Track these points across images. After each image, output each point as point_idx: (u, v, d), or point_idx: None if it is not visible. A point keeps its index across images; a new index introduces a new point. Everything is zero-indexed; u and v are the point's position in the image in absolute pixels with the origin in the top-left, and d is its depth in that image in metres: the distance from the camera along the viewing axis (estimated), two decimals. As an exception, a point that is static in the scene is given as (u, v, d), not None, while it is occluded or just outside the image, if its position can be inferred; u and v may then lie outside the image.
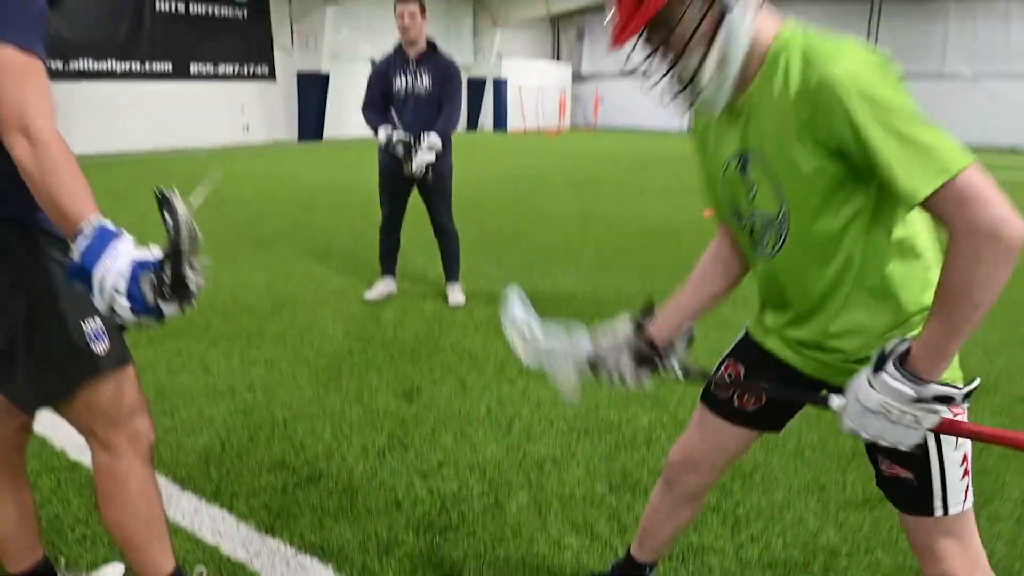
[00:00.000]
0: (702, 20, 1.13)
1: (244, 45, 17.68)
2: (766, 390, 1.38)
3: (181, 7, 16.25)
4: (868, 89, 1.04)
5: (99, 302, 1.19)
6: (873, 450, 1.31)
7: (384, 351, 3.68)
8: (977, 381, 1.10)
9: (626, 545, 1.87)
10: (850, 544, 2.12)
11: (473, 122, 24.04)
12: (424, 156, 4.13)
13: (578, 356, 1.49)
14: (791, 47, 1.14)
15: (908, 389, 1.07)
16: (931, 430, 1.11)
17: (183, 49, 16.30)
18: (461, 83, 4.43)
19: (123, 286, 1.17)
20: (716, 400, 1.52)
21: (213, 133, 16.89)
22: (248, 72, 17.99)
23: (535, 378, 3.31)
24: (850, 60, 1.07)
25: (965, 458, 1.26)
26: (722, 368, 1.52)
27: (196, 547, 2.06)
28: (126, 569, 1.94)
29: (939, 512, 1.26)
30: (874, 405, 1.09)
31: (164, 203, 1.19)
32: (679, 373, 1.45)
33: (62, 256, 1.41)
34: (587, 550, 2.08)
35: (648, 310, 1.52)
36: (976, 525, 1.31)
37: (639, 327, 1.50)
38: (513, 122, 24.46)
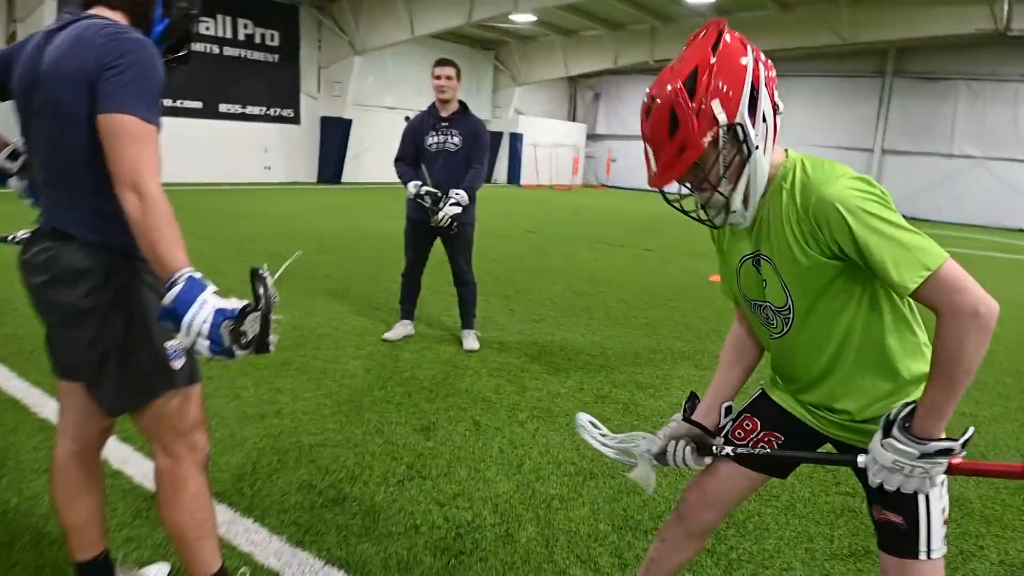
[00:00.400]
0: (732, 160, 1.39)
1: (272, 88, 18.37)
2: (804, 458, 1.62)
3: (216, 48, 16.95)
4: (859, 204, 1.31)
5: (184, 341, 1.43)
6: (869, 498, 1.52)
7: (402, 388, 3.89)
8: (971, 431, 1.33)
9: None
10: (833, 590, 2.30)
11: (488, 175, 24.61)
12: (450, 209, 4.41)
13: (646, 452, 1.74)
14: (794, 171, 1.41)
15: (912, 449, 1.30)
16: (944, 473, 1.33)
17: (214, 89, 16.94)
18: (488, 144, 4.75)
19: (207, 331, 1.41)
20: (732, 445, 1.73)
21: (236, 170, 17.41)
22: (274, 114, 18.62)
23: (545, 423, 3.52)
24: (841, 183, 1.34)
25: (944, 509, 1.47)
26: (740, 420, 1.74)
27: (232, 554, 2.25)
28: (171, 569, 2.13)
29: (923, 555, 1.45)
30: (889, 463, 1.33)
31: (256, 278, 1.46)
32: (729, 452, 1.67)
33: (154, 281, 1.66)
34: (590, 580, 2.26)
35: (693, 401, 1.76)
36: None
37: (688, 417, 1.73)
38: (527, 177, 25.03)
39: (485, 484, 2.86)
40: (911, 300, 1.45)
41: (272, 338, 1.46)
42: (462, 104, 4.66)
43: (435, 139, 4.60)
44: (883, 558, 1.52)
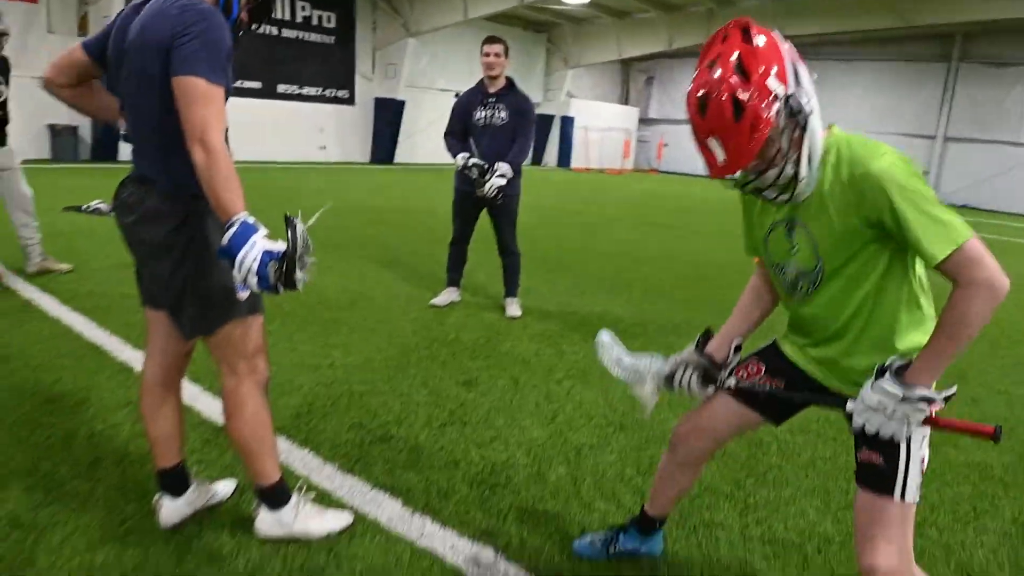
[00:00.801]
0: (793, 133, 1.50)
1: (328, 70, 18.81)
2: (796, 396, 1.77)
3: (275, 30, 17.43)
4: (901, 180, 1.44)
5: (237, 276, 1.66)
6: (857, 442, 1.66)
7: (447, 348, 4.12)
8: (954, 388, 1.48)
9: (633, 517, 2.23)
10: (844, 535, 2.43)
11: (538, 158, 24.73)
12: (496, 181, 4.60)
13: (655, 373, 1.91)
14: (838, 147, 1.54)
15: (898, 391, 1.45)
16: (919, 423, 1.47)
17: (272, 70, 17.45)
18: (534, 119, 4.92)
19: (255, 268, 1.64)
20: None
21: (293, 150, 17.93)
22: (330, 95, 19.07)
23: (580, 382, 3.70)
24: (887, 159, 1.47)
25: (923, 460, 1.60)
26: (747, 362, 1.90)
27: (289, 476, 2.50)
28: (237, 486, 2.40)
29: (897, 495, 1.57)
30: (874, 404, 1.48)
31: (288, 223, 1.70)
32: (732, 384, 1.84)
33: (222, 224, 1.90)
34: (613, 514, 2.45)
35: (707, 335, 1.92)
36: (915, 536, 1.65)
37: (701, 349, 1.90)
38: (577, 160, 25.06)
39: (520, 431, 3.07)
40: (923, 274, 1.61)
41: (299, 275, 1.68)
42: (509, 80, 4.84)
43: (483, 114, 4.79)
44: (859, 494, 1.64)
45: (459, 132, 4.89)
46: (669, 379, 1.89)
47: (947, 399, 1.46)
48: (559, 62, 24.66)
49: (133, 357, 3.61)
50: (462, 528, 2.30)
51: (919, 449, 1.58)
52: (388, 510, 2.37)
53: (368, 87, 19.76)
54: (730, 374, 1.86)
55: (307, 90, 18.56)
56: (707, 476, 2.73)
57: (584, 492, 2.59)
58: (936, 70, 22.36)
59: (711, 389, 1.88)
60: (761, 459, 2.94)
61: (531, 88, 22.89)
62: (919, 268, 1.62)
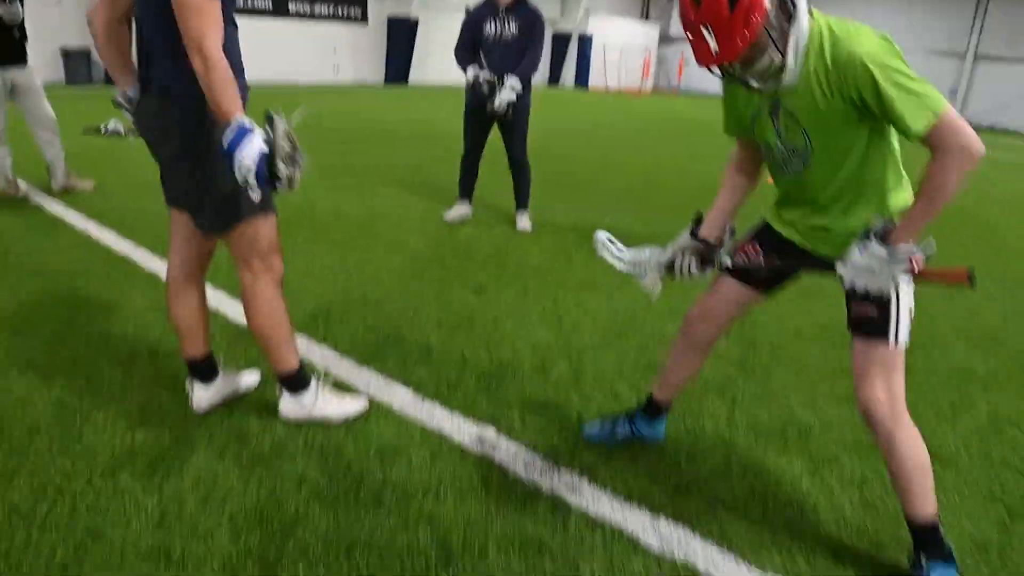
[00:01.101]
0: (782, 27, 1.57)
1: (341, -13, 18.40)
2: (791, 263, 1.91)
3: (284, -54, 17.01)
4: (882, 60, 1.53)
5: (237, 175, 1.79)
6: (849, 299, 1.80)
7: (458, 259, 4.28)
8: (932, 242, 1.59)
9: (641, 404, 2.40)
10: (822, 424, 2.61)
11: (555, 77, 24.25)
12: (506, 95, 4.64)
13: (656, 262, 2.02)
14: (821, 33, 1.60)
15: (883, 251, 1.59)
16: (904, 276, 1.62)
17: (284, -13, 17.12)
18: (544, 32, 4.90)
19: (252, 167, 1.76)
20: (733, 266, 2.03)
21: (305, 70, 17.74)
22: (342, 14, 18.71)
23: (587, 291, 3.86)
24: (868, 40, 1.55)
25: (911, 309, 1.76)
26: (744, 244, 2.03)
27: (309, 367, 2.70)
28: (261, 377, 2.60)
29: (891, 340, 1.74)
30: (863, 264, 1.62)
31: (269, 120, 1.81)
32: (729, 263, 1.97)
33: None
34: (610, 405, 2.64)
35: (699, 219, 2.04)
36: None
37: (695, 234, 2.01)
38: (595, 80, 24.56)
39: (527, 333, 3.25)
40: (897, 146, 1.71)
41: (284, 170, 1.79)
42: (520, -7, 4.80)
43: (493, 28, 4.78)
44: (855, 343, 1.81)
45: (469, 46, 4.89)
46: (670, 266, 2.01)
47: (927, 256, 1.60)
48: (577, -24, 23.87)
49: (160, 267, 3.79)
50: (468, 413, 2.50)
51: (906, 299, 1.74)
52: (400, 397, 2.57)
53: (381, 6, 19.34)
54: (728, 255, 1.98)
55: (319, 9, 18.23)
56: (700, 372, 2.90)
57: (584, 386, 2.78)
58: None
59: (709, 271, 2.01)
60: (752, 358, 3.11)
61: (547, 4, 22.24)
62: (894, 137, 1.73)
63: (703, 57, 1.59)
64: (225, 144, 1.79)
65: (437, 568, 1.77)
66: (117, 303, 3.32)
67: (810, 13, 1.62)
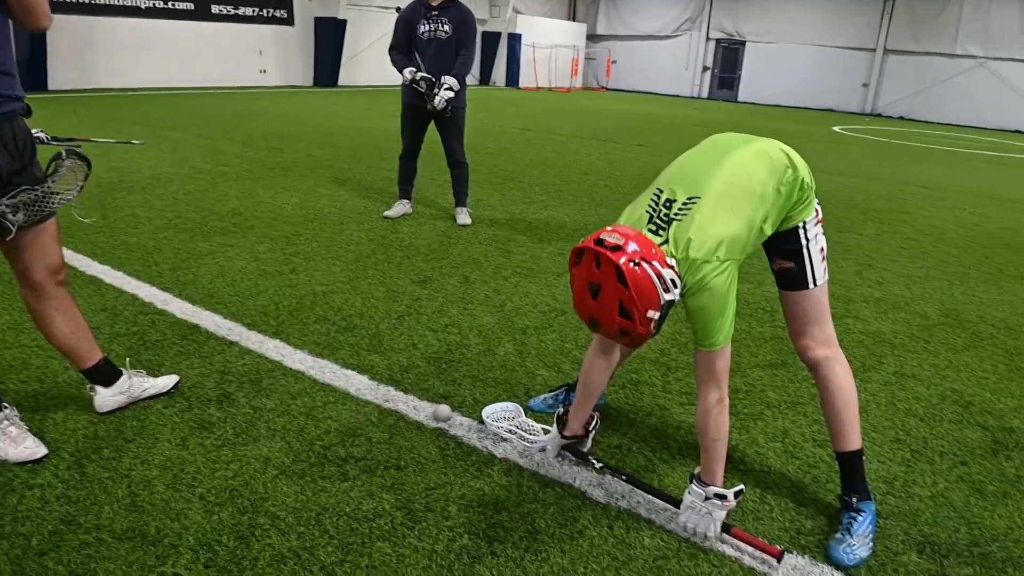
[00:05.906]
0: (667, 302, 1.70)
1: (265, -12, 18.09)
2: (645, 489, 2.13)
3: (206, -53, 16.62)
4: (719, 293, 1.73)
5: None
6: (770, 256, 2.00)
7: (402, 253, 4.40)
8: (740, 488, 1.88)
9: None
10: (747, 389, 2.85)
11: (486, 77, 24.43)
12: (445, 94, 4.78)
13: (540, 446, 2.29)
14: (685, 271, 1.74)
15: (699, 490, 1.87)
16: (719, 528, 1.86)
17: (205, -12, 16.73)
18: (477, 31, 5.05)
19: None
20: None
21: (231, 74, 17.37)
22: (267, 15, 18.40)
23: (526, 277, 4.04)
24: (716, 278, 1.72)
25: (822, 250, 1.98)
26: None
27: (264, 361, 2.80)
28: (179, 381, 2.58)
29: (812, 285, 1.96)
30: (689, 503, 1.90)
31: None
32: (596, 465, 2.19)
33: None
34: (554, 379, 2.82)
35: (563, 420, 2.23)
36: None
37: (562, 431, 2.23)
38: (525, 79, 24.84)
39: (472, 318, 3.40)
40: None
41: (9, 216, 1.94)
42: (451, -7, 4.94)
43: (427, 27, 4.91)
44: (784, 296, 2.02)
45: (404, 46, 5.00)
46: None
47: (737, 495, 1.86)
48: (504, -23, 24.10)
49: (102, 271, 3.79)
50: (422, 393, 2.64)
51: (816, 243, 1.95)
52: (356, 383, 2.69)
53: (307, 6, 19.08)
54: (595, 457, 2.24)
55: (243, 10, 17.87)
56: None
57: (529, 363, 2.95)
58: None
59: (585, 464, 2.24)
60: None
61: (476, 5, 22.39)
62: None
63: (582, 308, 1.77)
64: None
65: (404, 528, 1.91)
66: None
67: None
